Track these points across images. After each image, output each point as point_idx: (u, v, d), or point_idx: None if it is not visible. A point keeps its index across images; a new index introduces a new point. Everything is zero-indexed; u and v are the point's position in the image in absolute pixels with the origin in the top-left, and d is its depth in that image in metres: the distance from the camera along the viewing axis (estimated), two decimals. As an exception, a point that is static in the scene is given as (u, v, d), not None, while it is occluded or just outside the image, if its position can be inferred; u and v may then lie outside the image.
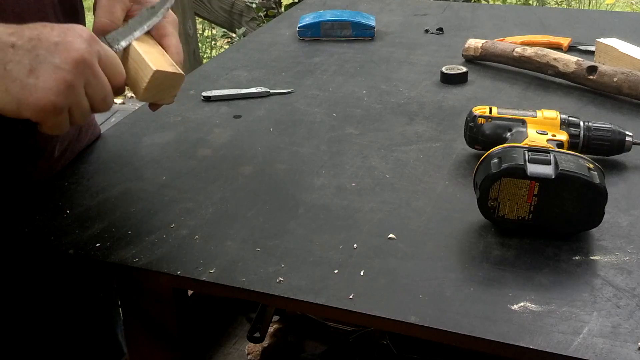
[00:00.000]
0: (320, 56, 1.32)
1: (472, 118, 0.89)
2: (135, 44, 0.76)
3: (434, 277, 0.68)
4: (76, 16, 0.89)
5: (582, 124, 0.87)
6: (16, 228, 0.79)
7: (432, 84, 1.17)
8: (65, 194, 0.85)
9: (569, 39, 1.33)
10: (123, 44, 0.75)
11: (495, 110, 0.88)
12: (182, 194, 0.84)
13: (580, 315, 0.63)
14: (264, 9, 3.41)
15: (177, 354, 0.80)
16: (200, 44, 3.90)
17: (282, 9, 3.37)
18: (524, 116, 0.87)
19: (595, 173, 0.72)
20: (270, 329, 1.15)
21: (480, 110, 0.89)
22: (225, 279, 0.69)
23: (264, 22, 3.32)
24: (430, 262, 0.71)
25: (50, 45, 0.63)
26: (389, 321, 0.64)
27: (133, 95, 0.83)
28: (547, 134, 0.84)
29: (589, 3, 4.47)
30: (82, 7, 0.92)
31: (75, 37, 0.64)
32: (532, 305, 0.64)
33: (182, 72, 0.77)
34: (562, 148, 0.82)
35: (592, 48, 1.26)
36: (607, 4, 4.46)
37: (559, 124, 0.86)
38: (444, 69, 1.18)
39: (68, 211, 0.81)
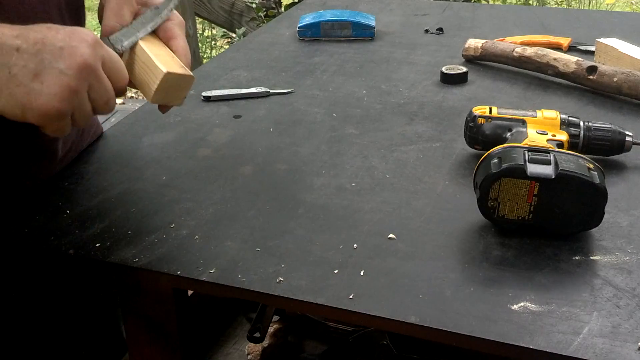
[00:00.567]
0: (320, 56, 1.32)
1: (472, 118, 0.89)
2: (144, 46, 0.76)
3: (434, 277, 0.68)
4: (80, 16, 0.89)
5: (582, 124, 0.87)
6: (16, 228, 0.79)
7: (432, 84, 1.17)
8: (65, 194, 0.85)
9: (569, 39, 1.33)
10: (126, 44, 0.75)
11: (495, 110, 0.88)
12: (182, 194, 0.84)
13: (580, 315, 0.63)
14: (264, 9, 3.41)
15: (177, 354, 0.80)
16: (200, 44, 3.90)
17: (282, 9, 3.37)
18: (524, 116, 0.87)
19: (595, 173, 0.72)
20: (270, 329, 1.15)
21: (480, 110, 0.89)
22: (225, 279, 0.69)
23: (264, 22, 3.32)
24: (431, 262, 0.71)
25: (55, 50, 0.63)
26: (389, 321, 0.64)
27: (133, 95, 0.83)
28: (547, 134, 0.84)
29: (589, 3, 4.47)
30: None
31: (79, 42, 0.65)
32: (532, 305, 0.64)
33: (192, 74, 0.77)
34: (562, 148, 0.82)
35: (592, 48, 1.26)
36: (607, 4, 4.46)
37: (559, 124, 0.86)
38: (444, 69, 1.18)
39: (68, 211, 0.81)
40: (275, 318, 1.18)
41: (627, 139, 0.88)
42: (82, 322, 0.96)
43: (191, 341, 0.82)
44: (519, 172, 0.71)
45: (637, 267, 0.69)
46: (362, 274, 0.69)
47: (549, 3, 4.48)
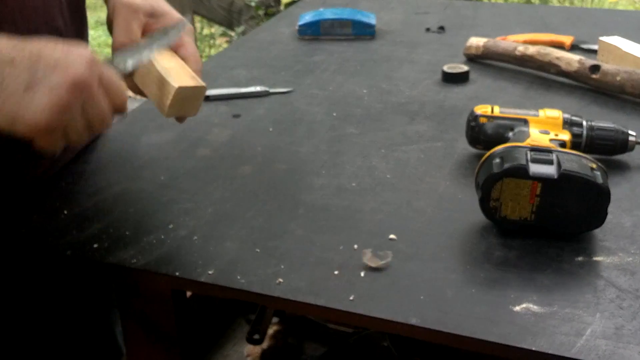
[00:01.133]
0: (320, 55, 1.32)
1: (474, 117, 0.88)
2: (154, 61, 0.76)
3: (435, 278, 0.68)
4: (81, 16, 0.89)
5: (584, 123, 0.86)
6: (13, 229, 0.78)
7: (434, 83, 1.17)
8: (63, 194, 0.85)
9: (572, 38, 1.33)
10: (130, 64, 0.75)
11: (497, 110, 0.88)
12: (181, 194, 0.84)
13: (583, 317, 0.62)
14: (263, 7, 3.41)
15: (176, 356, 0.80)
16: (198, 43, 3.90)
17: (282, 7, 3.36)
18: (526, 115, 0.86)
19: (598, 173, 0.71)
20: (270, 331, 1.15)
21: (482, 109, 0.89)
22: (224, 280, 0.69)
23: (263, 21, 3.31)
24: (432, 263, 0.70)
25: (50, 64, 0.63)
26: (390, 323, 0.63)
27: (131, 95, 0.83)
28: (549, 133, 0.84)
29: (592, 1, 4.47)
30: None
31: (75, 58, 0.64)
32: (535, 307, 0.63)
33: (204, 84, 0.78)
34: (565, 148, 0.82)
35: (595, 47, 1.25)
36: (610, 3, 4.46)
37: (561, 123, 0.85)
38: (445, 68, 1.18)
39: (65, 212, 0.81)
40: (275, 320, 1.18)
41: (630, 138, 0.87)
42: (77, 326, 0.95)
43: (190, 343, 0.82)
44: (521, 172, 0.71)
45: (640, 268, 0.68)
46: (362, 275, 0.69)
47: (552, 1, 4.48)
